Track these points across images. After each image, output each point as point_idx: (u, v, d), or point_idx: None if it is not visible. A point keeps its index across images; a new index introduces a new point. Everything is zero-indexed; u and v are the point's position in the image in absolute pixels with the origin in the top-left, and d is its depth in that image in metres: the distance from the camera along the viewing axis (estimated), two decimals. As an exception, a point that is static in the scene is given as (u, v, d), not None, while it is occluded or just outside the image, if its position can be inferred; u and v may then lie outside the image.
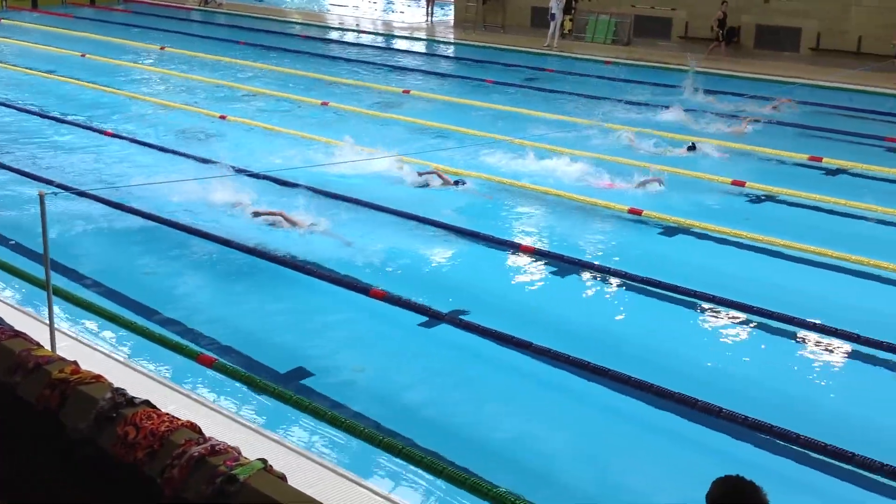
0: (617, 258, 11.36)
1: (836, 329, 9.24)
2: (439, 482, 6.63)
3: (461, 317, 9.45)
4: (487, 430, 7.68)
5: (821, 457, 7.09)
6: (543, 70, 25.05)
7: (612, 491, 6.93)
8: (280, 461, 5.45)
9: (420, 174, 14.16)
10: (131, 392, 4.80)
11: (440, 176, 14.11)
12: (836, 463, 7.03)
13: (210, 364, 8.15)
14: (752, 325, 9.59)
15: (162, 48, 26.83)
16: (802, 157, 16.02)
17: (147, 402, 4.70)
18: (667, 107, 19.16)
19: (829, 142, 17.29)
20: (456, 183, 13.98)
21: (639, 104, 19.79)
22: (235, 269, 10.75)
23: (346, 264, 10.82)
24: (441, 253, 11.49)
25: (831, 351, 9.10)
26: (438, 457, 6.92)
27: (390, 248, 11.41)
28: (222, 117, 18.28)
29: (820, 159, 15.85)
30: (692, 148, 16.15)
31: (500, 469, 6.96)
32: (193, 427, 4.44)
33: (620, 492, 6.93)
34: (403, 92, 21.59)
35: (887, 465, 6.82)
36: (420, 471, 6.74)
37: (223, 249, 11.18)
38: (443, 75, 24.67)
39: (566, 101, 20.77)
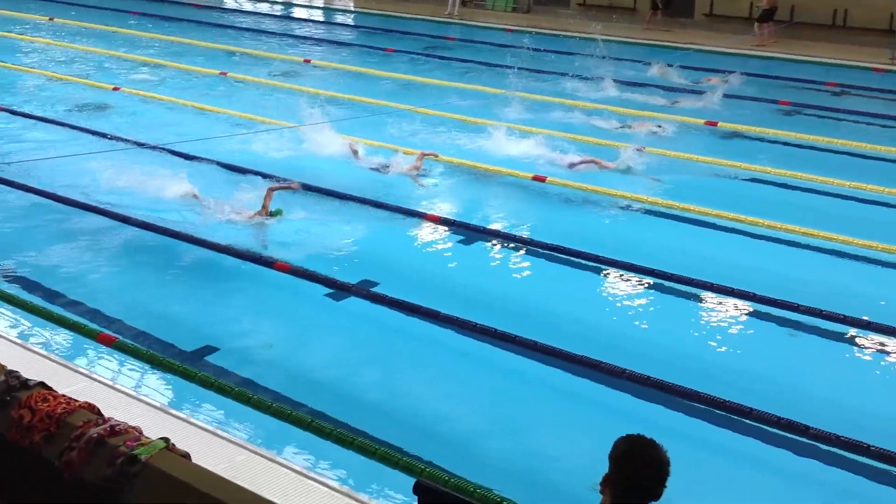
0: (521, 225, 11.45)
1: (733, 288, 9.50)
2: (349, 454, 6.61)
3: (370, 288, 9.40)
4: (397, 399, 7.69)
5: (721, 412, 7.30)
6: (445, 38, 24.98)
7: (522, 454, 7.00)
8: (185, 440, 5.34)
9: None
10: (28, 374, 4.65)
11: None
12: (736, 418, 7.24)
13: (111, 343, 7.95)
14: (651, 287, 9.79)
15: (51, 19, 25.84)
16: (699, 122, 16.35)
17: (42, 384, 4.56)
18: (584, 76, 19.23)
19: (725, 106, 17.63)
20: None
21: (549, 73, 19.86)
22: (135, 246, 10.46)
23: (249, 238, 10.66)
24: (348, 225, 11.37)
25: (728, 310, 9.35)
26: (349, 428, 6.89)
27: (294, 220, 11.26)
28: (116, 89, 17.74)
29: (715, 123, 16.21)
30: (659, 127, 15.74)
31: (412, 438, 6.96)
32: (92, 408, 4.33)
33: (530, 455, 7.00)
34: (304, 61, 21.30)
35: (784, 418, 7.06)
36: (330, 443, 6.70)
37: (121, 226, 10.88)
38: (343, 44, 24.42)
39: (471, 69, 20.76)
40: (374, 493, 6.27)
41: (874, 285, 10.09)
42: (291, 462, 6.38)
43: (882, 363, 8.52)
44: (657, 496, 3.72)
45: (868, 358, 8.55)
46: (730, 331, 9.03)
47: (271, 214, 11.09)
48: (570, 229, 11.34)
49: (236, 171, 12.87)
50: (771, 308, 9.17)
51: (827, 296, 9.33)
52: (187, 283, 9.69)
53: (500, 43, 24.15)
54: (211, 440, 6.44)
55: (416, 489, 3.06)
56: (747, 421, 7.19)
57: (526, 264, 10.51)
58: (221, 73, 19.42)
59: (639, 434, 3.78)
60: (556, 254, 10.46)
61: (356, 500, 5.92)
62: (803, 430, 6.97)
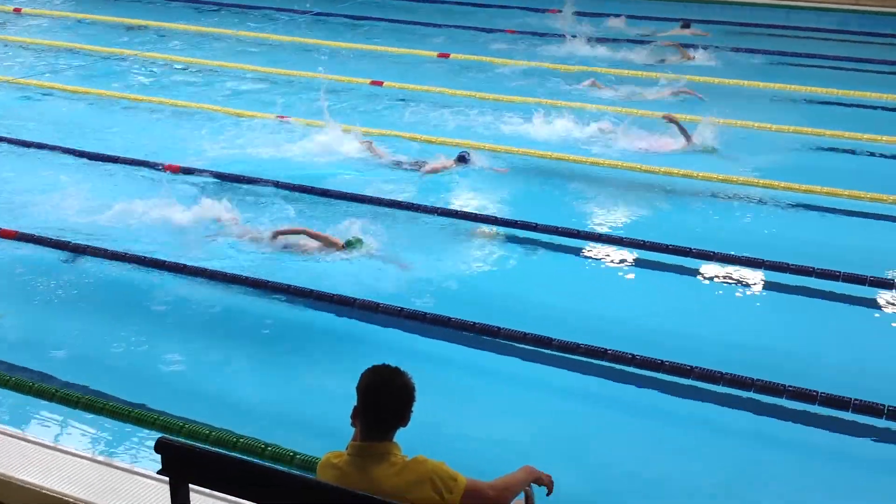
0: (283, 170, 11.15)
1: (478, 214, 9.79)
2: (102, 420, 6.36)
3: (107, 247, 8.94)
4: (149, 359, 7.37)
5: (471, 334, 7.56)
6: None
7: (288, 400, 6.91)
8: None
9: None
10: None
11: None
12: (487, 338, 7.51)
13: None
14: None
15: None
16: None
17: None
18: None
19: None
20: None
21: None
22: None
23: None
24: (77, 184, 10.69)
25: (487, 239, 9.54)
26: (101, 395, 6.60)
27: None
28: None
29: (491, 61, 16.49)
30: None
31: (169, 396, 6.73)
32: None
33: (293, 400, 6.92)
34: (14, 11, 19.72)
35: (529, 333, 7.42)
36: (80, 412, 6.42)
37: None
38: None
39: (206, 10, 20.00)
40: (133, 457, 6.08)
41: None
42: (41, 437, 6.05)
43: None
44: (405, 422, 3.84)
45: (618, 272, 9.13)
46: (490, 258, 9.19)
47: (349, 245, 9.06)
48: (326, 175, 11.25)
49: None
50: (513, 230, 9.53)
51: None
52: None
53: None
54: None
55: (158, 448, 2.98)
56: (496, 339, 7.49)
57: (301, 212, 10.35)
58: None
59: (384, 363, 3.87)
60: (312, 196, 10.39)
61: (115, 467, 5.70)
62: (548, 342, 7.35)
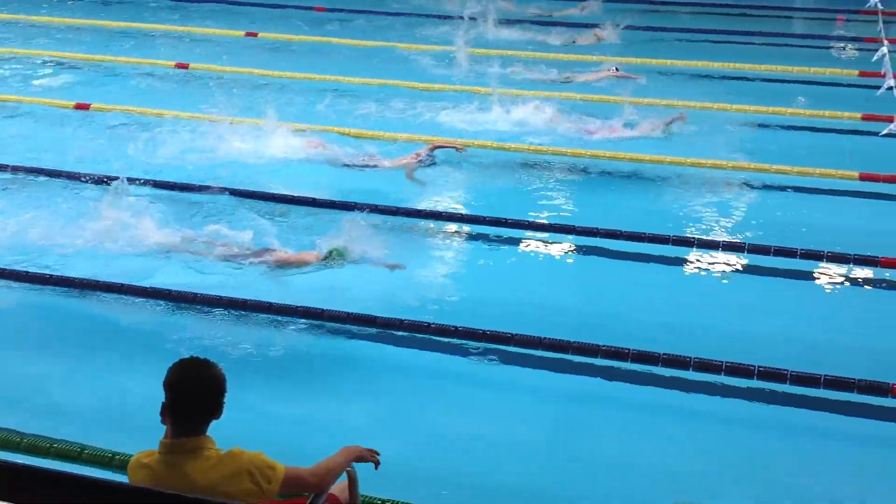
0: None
1: (335, 200, 9.47)
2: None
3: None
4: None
5: (347, 326, 7.39)
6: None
7: (115, 405, 6.58)
8: None
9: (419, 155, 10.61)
10: None
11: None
12: (365, 328, 7.34)
13: None
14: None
15: None
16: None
17: None
18: None
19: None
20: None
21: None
22: None
23: None
24: None
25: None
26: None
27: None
28: None
29: (301, 39, 16.17)
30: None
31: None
32: None
33: (123, 404, 6.57)
34: None
35: (380, 317, 7.34)
36: None
37: None
38: None
39: None
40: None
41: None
42: None
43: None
44: (217, 414, 3.75)
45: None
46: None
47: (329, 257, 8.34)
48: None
49: None
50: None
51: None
52: None
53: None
54: None
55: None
56: (374, 329, 7.33)
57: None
58: None
59: (191, 356, 3.77)
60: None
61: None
62: (398, 325, 7.29)
